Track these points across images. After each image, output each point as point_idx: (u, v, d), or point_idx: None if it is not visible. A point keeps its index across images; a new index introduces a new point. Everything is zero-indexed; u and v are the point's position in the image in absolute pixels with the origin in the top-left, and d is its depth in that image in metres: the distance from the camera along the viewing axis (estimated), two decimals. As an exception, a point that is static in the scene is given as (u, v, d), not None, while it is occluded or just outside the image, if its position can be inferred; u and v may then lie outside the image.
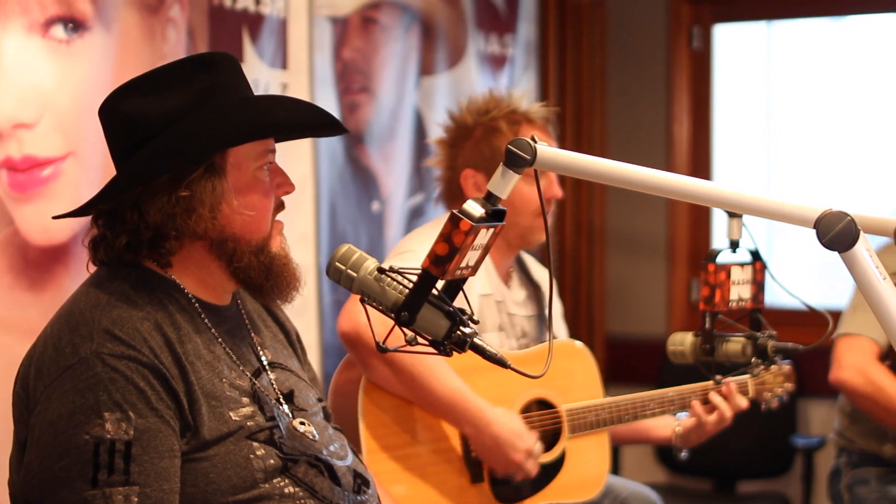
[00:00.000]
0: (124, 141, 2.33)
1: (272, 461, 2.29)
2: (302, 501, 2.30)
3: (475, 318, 2.08)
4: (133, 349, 2.19)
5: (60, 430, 2.15)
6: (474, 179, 3.47)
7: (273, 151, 2.40)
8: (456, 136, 3.56)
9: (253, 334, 2.51)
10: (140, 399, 2.17)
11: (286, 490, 2.29)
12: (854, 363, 3.79)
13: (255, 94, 2.47)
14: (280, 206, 2.42)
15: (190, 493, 2.22)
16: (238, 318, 2.50)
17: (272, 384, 2.45)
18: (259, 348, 2.50)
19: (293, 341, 2.67)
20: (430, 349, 2.08)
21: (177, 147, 2.28)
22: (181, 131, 2.29)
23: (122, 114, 2.32)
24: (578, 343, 3.63)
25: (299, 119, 2.46)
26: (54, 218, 2.49)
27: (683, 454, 3.59)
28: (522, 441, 3.24)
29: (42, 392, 2.20)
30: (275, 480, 2.28)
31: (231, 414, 2.29)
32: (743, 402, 3.52)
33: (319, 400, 2.59)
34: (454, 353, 2.07)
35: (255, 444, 2.29)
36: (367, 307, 2.10)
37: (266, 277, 2.38)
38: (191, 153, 2.28)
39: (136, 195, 2.28)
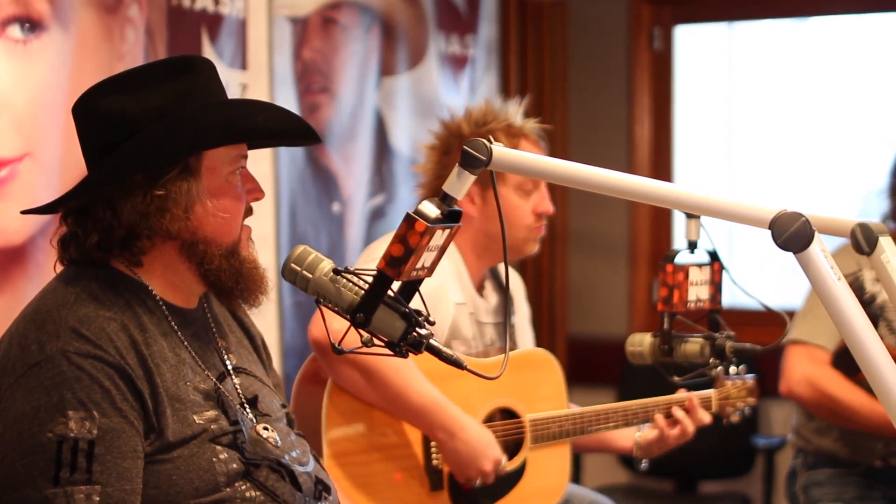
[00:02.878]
0: (100, 138, 2.34)
1: (234, 465, 2.29)
2: None
3: (431, 319, 2.09)
4: (99, 349, 2.20)
5: (24, 427, 2.15)
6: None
7: (245, 157, 2.41)
8: (449, 144, 3.53)
9: (218, 338, 2.52)
10: (105, 398, 2.17)
11: (247, 494, 2.29)
12: (803, 374, 3.82)
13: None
14: (248, 212, 2.43)
15: (152, 494, 2.22)
16: (204, 321, 2.50)
17: (236, 389, 2.45)
18: (224, 353, 2.50)
19: (258, 347, 2.67)
20: (387, 350, 2.07)
21: (155, 146, 2.29)
22: (160, 131, 2.30)
23: (99, 111, 2.33)
24: (546, 352, 3.62)
25: (277, 126, 2.47)
26: (23, 212, 2.49)
27: (644, 465, 3.60)
28: (492, 451, 3.26)
29: (7, 389, 2.19)
30: (237, 485, 2.28)
31: (195, 417, 2.29)
32: (706, 417, 3.53)
33: (283, 406, 2.59)
34: (410, 354, 2.07)
35: (219, 447, 2.29)
36: (324, 308, 2.10)
37: (236, 281, 2.39)
38: (169, 153, 2.29)
39: (110, 193, 2.29)
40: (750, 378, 3.62)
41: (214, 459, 2.27)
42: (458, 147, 3.43)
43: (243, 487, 2.29)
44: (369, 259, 3.28)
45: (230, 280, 2.39)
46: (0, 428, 2.18)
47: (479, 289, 3.58)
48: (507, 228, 3.28)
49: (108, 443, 2.16)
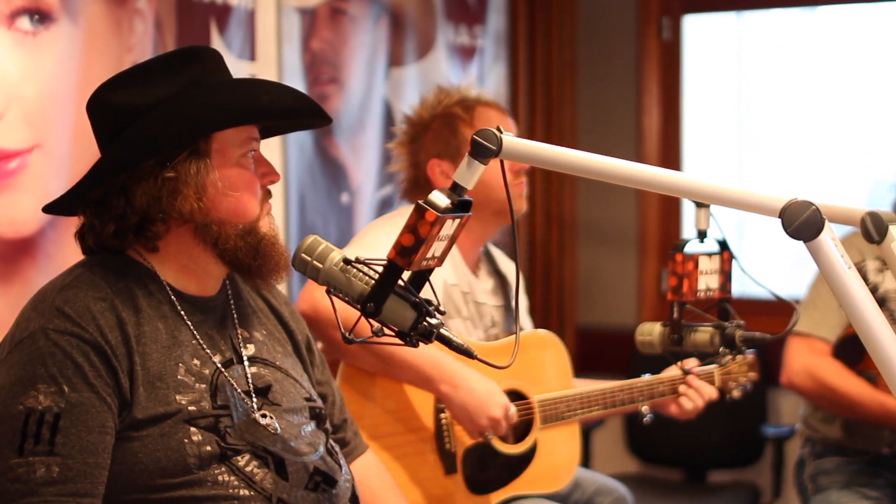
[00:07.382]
0: (111, 130, 2.37)
1: (209, 448, 2.30)
2: (234, 491, 2.31)
3: (441, 308, 2.09)
4: (77, 326, 2.25)
5: (2, 399, 2.22)
6: (440, 168, 3.52)
7: (257, 140, 2.44)
8: (414, 132, 3.63)
9: (239, 328, 2.53)
10: (76, 374, 2.22)
11: (220, 478, 2.30)
12: (803, 365, 3.83)
13: None
14: (267, 194, 2.46)
15: (116, 470, 2.26)
16: (224, 309, 2.53)
17: (246, 377, 2.46)
18: (241, 342, 2.51)
19: (297, 343, 2.69)
20: (397, 340, 2.08)
21: (161, 130, 2.33)
22: (165, 115, 2.33)
23: (110, 105, 2.37)
24: (549, 333, 3.63)
25: (283, 104, 2.48)
26: (44, 210, 2.50)
27: (647, 418, 3.56)
28: (499, 398, 3.25)
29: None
30: (211, 468, 2.30)
31: (177, 396, 2.31)
32: (712, 392, 3.55)
33: (307, 400, 2.57)
34: (421, 343, 2.08)
35: (193, 429, 2.31)
36: (334, 298, 2.11)
37: (254, 258, 2.42)
38: (175, 136, 2.32)
39: (122, 180, 2.32)
40: (749, 353, 3.63)
41: (186, 441, 2.29)
42: (423, 132, 3.57)
43: (217, 472, 2.30)
44: (362, 245, 3.30)
45: (247, 258, 2.41)
46: None
47: (474, 269, 3.60)
48: (488, 192, 3.22)
49: (75, 417, 2.21)
